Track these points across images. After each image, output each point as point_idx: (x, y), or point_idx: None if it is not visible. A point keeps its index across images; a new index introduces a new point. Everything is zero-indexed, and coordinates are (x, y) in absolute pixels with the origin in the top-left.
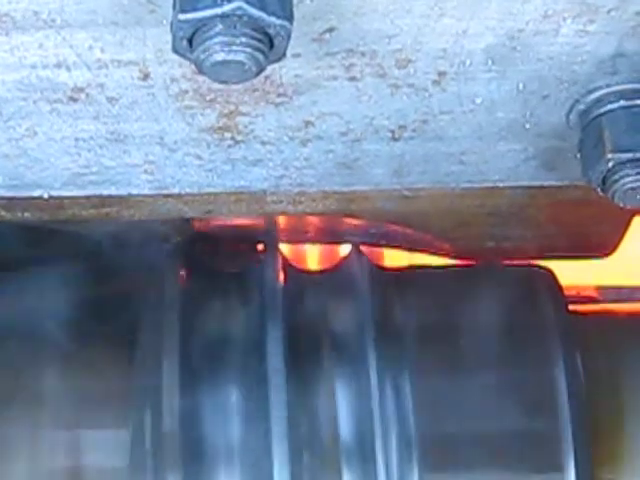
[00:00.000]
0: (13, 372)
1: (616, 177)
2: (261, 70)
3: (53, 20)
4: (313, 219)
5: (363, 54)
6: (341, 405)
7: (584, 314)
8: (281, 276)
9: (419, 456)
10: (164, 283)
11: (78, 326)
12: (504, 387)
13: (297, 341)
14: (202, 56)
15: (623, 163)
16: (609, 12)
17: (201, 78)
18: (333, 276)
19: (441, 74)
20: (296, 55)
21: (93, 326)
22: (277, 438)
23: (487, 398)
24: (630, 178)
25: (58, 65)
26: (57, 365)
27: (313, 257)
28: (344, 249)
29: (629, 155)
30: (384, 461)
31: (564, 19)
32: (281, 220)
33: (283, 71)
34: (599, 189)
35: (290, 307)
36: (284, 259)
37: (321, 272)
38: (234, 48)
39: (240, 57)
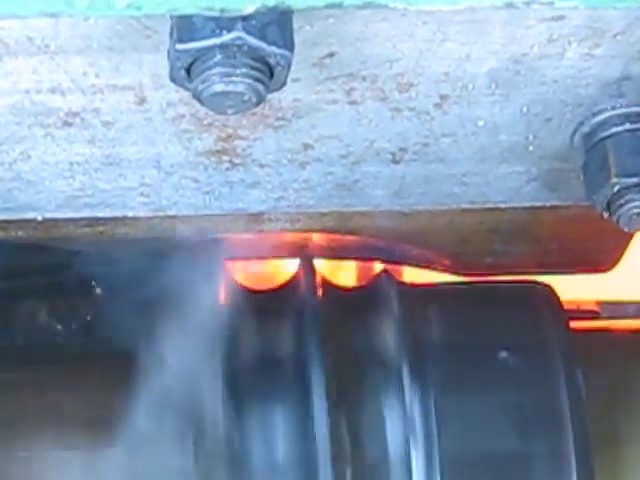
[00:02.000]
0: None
1: (621, 201)
2: (261, 100)
3: (47, 46)
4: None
5: (364, 78)
6: (387, 423)
7: (585, 331)
8: (319, 293)
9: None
10: (201, 302)
11: None
12: (503, 406)
13: (338, 361)
14: (201, 86)
15: (628, 188)
16: (615, 36)
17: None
18: (368, 293)
19: (443, 97)
20: (296, 79)
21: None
22: (322, 458)
23: (486, 416)
24: (635, 203)
25: (52, 90)
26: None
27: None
28: (376, 267)
29: (634, 180)
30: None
31: (569, 43)
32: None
33: (282, 95)
34: (604, 213)
35: (329, 325)
36: (321, 276)
37: (355, 289)
38: (234, 79)
39: (240, 88)
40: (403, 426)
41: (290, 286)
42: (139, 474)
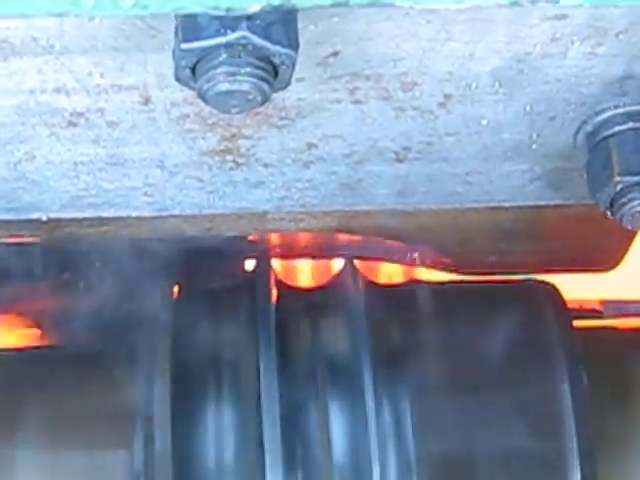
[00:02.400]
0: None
1: (624, 200)
2: (266, 100)
3: (52, 46)
4: (306, 234)
5: (368, 77)
6: (335, 426)
7: (589, 330)
8: (273, 294)
9: (418, 477)
10: (157, 301)
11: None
12: (508, 405)
13: (290, 361)
14: (206, 86)
15: (631, 186)
16: (617, 35)
17: (202, 102)
18: (327, 293)
19: (447, 96)
20: (300, 79)
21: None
22: (271, 459)
23: (490, 417)
24: (638, 201)
25: (57, 90)
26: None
27: (306, 273)
28: (337, 264)
29: (637, 178)
30: None
31: (572, 42)
32: (273, 235)
33: (286, 95)
34: (607, 211)
35: (282, 326)
36: (276, 276)
37: (315, 289)
38: (238, 78)
39: (245, 87)
40: (357, 429)
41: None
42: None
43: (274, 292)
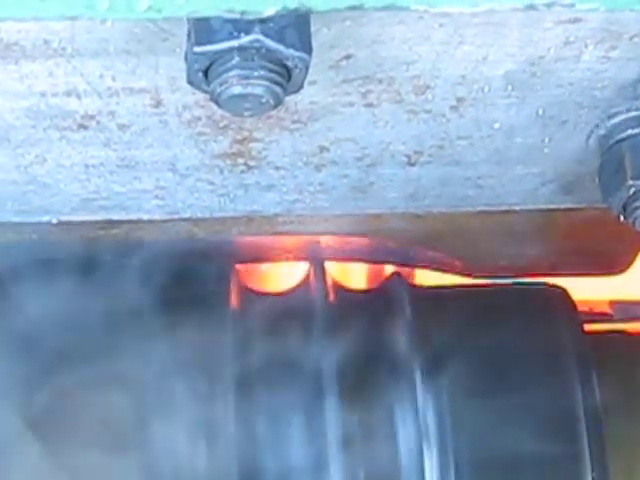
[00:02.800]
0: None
1: (637, 204)
2: (279, 103)
3: (64, 49)
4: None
5: (380, 81)
6: (398, 426)
7: (599, 333)
8: (331, 296)
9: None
10: (214, 305)
11: None
12: (519, 408)
13: (350, 363)
14: (218, 89)
15: None
16: (632, 38)
17: (214, 105)
18: (379, 296)
19: (459, 100)
20: (312, 82)
21: None
22: (333, 458)
23: (501, 420)
24: None
25: (68, 93)
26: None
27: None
28: (386, 270)
29: None
30: None
31: (586, 45)
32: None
33: (298, 98)
34: (619, 215)
35: (340, 328)
36: (332, 278)
37: (366, 292)
38: (252, 81)
39: (258, 90)
40: (416, 429)
41: (301, 288)
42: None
43: (331, 295)
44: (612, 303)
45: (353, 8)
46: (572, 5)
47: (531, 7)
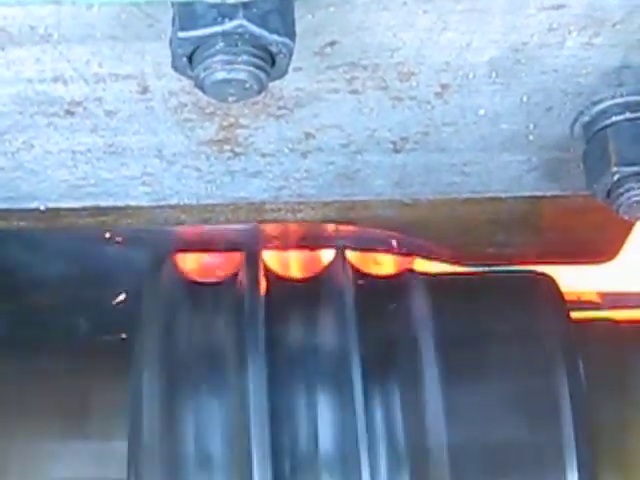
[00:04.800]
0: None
1: (621, 190)
2: (263, 88)
3: (50, 35)
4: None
5: (365, 67)
6: (323, 418)
7: (586, 321)
8: (262, 284)
9: (411, 469)
10: (147, 295)
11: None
12: (504, 396)
13: (278, 352)
14: (202, 74)
15: (628, 176)
16: (614, 25)
17: (200, 92)
18: (317, 284)
19: (444, 87)
20: (297, 69)
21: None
22: (258, 449)
23: (486, 408)
24: (635, 191)
25: (55, 79)
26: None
27: (298, 264)
28: (328, 255)
29: (634, 168)
30: (370, 475)
31: (569, 32)
32: (265, 226)
33: (284, 84)
34: (604, 201)
35: (272, 317)
36: (266, 267)
37: (305, 280)
38: (235, 66)
39: (241, 75)
40: (346, 420)
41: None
42: None
43: (263, 283)
44: (601, 293)
45: None
46: None
47: None
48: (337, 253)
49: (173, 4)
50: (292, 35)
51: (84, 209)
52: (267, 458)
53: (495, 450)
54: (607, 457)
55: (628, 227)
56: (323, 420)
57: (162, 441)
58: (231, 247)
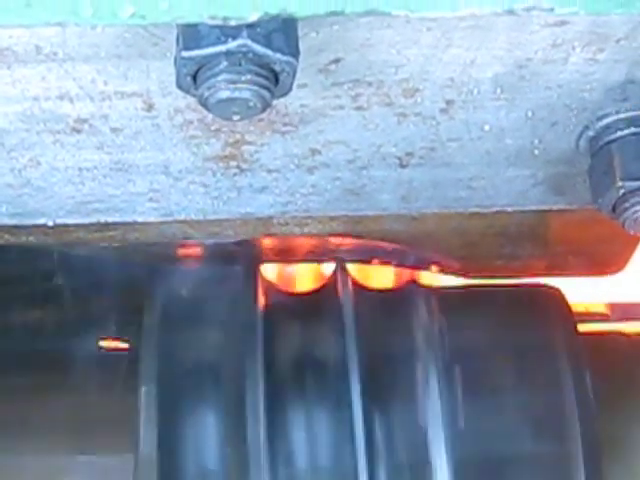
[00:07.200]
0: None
1: (626, 205)
2: (267, 107)
3: (55, 54)
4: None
5: (370, 84)
6: (322, 433)
7: (593, 334)
8: (261, 298)
9: None
10: (144, 309)
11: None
12: (509, 410)
13: (277, 368)
14: (206, 93)
15: (634, 191)
16: (619, 41)
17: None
18: (317, 297)
19: (449, 103)
20: (302, 85)
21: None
22: (255, 464)
23: (494, 421)
24: None
25: (61, 97)
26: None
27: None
28: (328, 269)
29: (639, 183)
30: None
31: (573, 48)
32: (267, 240)
33: (289, 101)
34: (609, 216)
35: (270, 331)
36: (264, 280)
37: (304, 293)
38: (239, 85)
39: (245, 94)
40: (344, 437)
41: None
42: None
43: (261, 297)
44: (608, 305)
45: (334, 14)
46: (551, 9)
47: (511, 12)
48: (337, 266)
49: (177, 24)
50: (296, 54)
51: (92, 224)
52: (265, 473)
53: (500, 465)
54: (614, 470)
55: (636, 239)
56: (322, 436)
57: (161, 455)
58: (228, 260)
